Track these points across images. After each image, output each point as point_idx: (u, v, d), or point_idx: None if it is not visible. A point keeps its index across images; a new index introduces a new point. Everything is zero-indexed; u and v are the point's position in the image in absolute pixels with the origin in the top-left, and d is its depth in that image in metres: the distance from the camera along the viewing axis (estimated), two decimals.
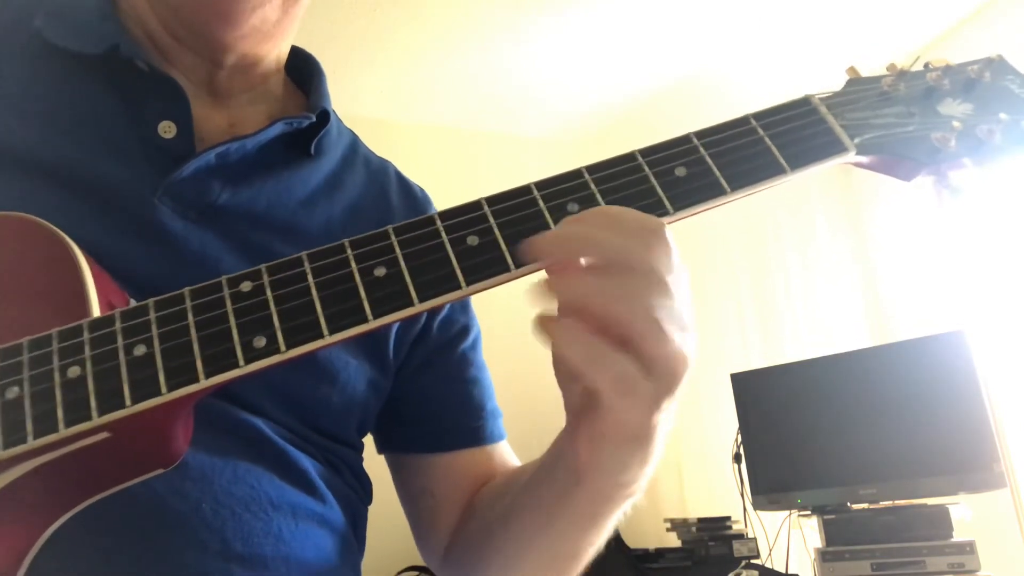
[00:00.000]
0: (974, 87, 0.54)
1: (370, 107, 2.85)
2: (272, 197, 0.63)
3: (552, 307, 0.44)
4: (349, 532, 0.63)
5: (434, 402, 0.71)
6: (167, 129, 0.60)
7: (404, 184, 0.76)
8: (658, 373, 0.42)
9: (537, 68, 2.75)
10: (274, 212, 0.63)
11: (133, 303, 0.46)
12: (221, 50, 0.63)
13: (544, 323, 0.43)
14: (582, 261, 0.44)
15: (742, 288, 3.03)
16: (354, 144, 0.75)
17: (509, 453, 0.75)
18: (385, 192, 0.73)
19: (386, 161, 0.77)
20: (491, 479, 0.71)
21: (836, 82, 0.57)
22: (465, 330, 0.74)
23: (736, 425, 2.44)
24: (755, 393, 2.44)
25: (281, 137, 0.65)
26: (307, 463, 0.59)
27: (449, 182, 3.07)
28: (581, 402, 0.47)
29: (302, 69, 0.73)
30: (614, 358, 0.41)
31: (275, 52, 0.68)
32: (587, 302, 0.42)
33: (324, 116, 0.68)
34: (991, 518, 2.14)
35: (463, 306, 0.75)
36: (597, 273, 0.43)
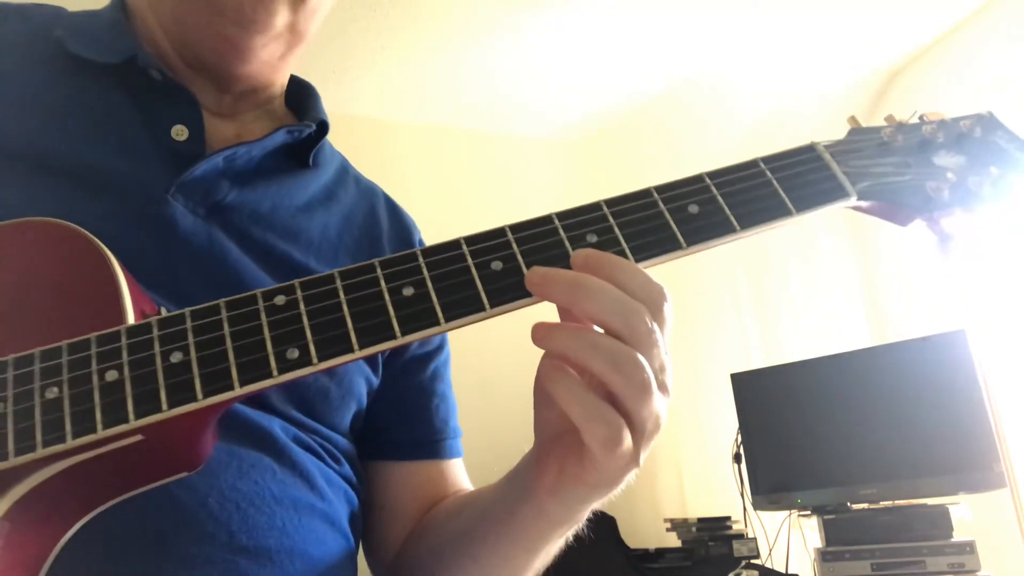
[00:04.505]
0: (966, 141, 0.58)
1: (370, 107, 2.84)
2: (275, 200, 0.68)
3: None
4: (347, 527, 0.65)
5: (402, 410, 0.74)
6: (180, 132, 0.64)
7: (392, 205, 0.81)
8: (639, 432, 0.46)
9: (537, 69, 2.76)
10: (277, 214, 0.67)
11: (164, 312, 0.48)
12: (230, 80, 0.68)
13: (550, 374, 0.47)
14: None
15: (742, 287, 3.03)
16: (344, 165, 0.80)
17: (463, 473, 0.77)
18: (374, 209, 0.78)
19: (375, 184, 0.82)
20: (444, 497, 0.74)
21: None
22: (441, 347, 0.78)
23: (736, 425, 2.45)
24: (755, 393, 2.45)
25: (283, 147, 0.69)
26: (308, 461, 0.61)
27: (449, 182, 3.08)
28: (555, 429, 0.50)
29: (298, 94, 0.78)
30: (611, 418, 0.45)
31: (279, 76, 0.74)
32: (588, 361, 0.45)
33: (322, 127, 0.73)
34: (991, 518, 2.15)
35: None
36: (598, 333, 0.46)
